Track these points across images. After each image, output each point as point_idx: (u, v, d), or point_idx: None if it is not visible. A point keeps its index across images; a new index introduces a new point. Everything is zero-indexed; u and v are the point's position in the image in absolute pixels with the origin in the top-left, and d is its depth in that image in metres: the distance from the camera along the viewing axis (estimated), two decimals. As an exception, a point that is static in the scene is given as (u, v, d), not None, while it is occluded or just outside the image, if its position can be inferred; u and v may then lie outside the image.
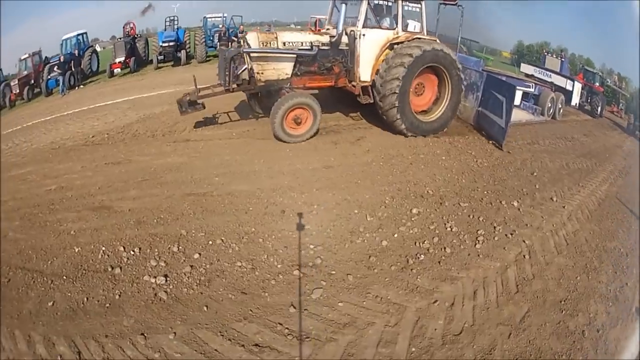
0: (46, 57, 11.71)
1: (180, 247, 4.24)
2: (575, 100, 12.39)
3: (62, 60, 11.36)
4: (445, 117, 7.98)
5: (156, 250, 4.22)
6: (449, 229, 4.73)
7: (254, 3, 15.14)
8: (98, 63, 12.62)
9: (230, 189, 5.38)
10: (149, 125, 8.15)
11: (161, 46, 12.69)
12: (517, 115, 9.31)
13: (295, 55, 7.25)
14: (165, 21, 12.52)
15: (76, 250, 4.26)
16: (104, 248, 4.26)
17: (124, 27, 12.05)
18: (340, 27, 7.34)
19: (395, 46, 7.49)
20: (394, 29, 7.68)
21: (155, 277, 3.83)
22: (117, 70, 11.85)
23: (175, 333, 3.31)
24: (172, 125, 7.96)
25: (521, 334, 3.49)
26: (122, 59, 11.68)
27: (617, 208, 6.10)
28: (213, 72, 8.11)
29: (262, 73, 7.13)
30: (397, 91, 7.16)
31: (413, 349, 3.27)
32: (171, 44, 12.73)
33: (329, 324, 3.45)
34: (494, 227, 4.85)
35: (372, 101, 7.58)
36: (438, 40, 7.91)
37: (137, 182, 5.63)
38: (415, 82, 7.58)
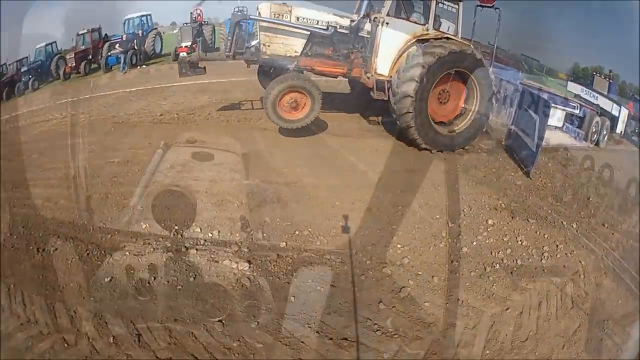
0: (106, 34, 12.08)
1: (264, 235, 4.24)
2: (621, 127, 11.59)
3: (124, 38, 11.77)
4: (469, 133, 7.18)
5: (237, 234, 4.13)
6: (519, 242, 5.13)
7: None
8: (162, 45, 13.07)
9: (314, 182, 5.53)
10: (222, 111, 8.16)
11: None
12: (559, 138, 8.99)
13: (308, 33, 6.72)
14: (234, 10, 12.84)
15: (143, 226, 4.06)
16: (176, 227, 4.12)
17: (191, 13, 12.52)
18: (363, 12, 6.74)
19: (421, 44, 6.81)
20: (424, 24, 7.00)
21: (237, 263, 3.78)
22: (182, 54, 12.31)
23: (258, 322, 3.27)
24: (248, 112, 8.03)
25: (572, 346, 3.87)
26: (189, 43, 12.16)
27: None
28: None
29: (268, 45, 6.70)
30: (412, 95, 6.38)
31: (487, 352, 3.62)
32: (239, 32, 12.94)
33: (415, 322, 3.73)
34: (557, 246, 5.24)
35: (386, 98, 6.90)
36: (472, 46, 7.16)
37: (212, 165, 5.58)
38: (439, 88, 6.88)
